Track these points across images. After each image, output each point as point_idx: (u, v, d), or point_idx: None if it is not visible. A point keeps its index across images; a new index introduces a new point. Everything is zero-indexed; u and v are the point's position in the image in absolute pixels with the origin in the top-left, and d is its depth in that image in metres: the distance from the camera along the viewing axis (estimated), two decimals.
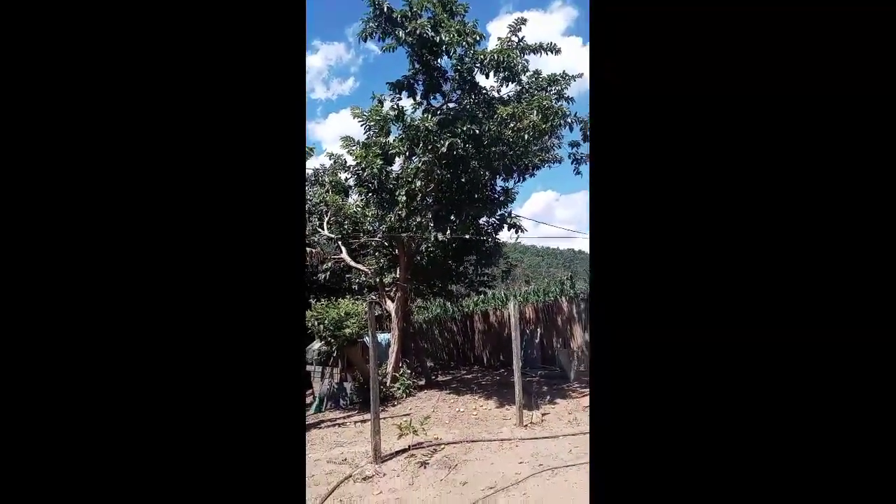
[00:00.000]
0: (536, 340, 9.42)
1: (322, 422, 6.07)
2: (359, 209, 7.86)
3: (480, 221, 7.68)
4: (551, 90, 6.18)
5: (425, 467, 3.91)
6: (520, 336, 9.71)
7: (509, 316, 9.69)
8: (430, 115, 5.80)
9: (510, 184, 7.92)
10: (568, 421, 5.02)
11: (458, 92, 6.57)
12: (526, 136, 5.70)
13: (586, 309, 8.62)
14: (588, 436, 4.39)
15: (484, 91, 6.66)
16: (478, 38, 5.87)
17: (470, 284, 9.31)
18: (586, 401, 5.56)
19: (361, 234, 8.18)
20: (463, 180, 6.43)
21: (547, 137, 6.41)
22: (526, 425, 4.99)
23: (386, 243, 8.37)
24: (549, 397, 6.23)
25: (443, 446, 4.44)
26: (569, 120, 5.93)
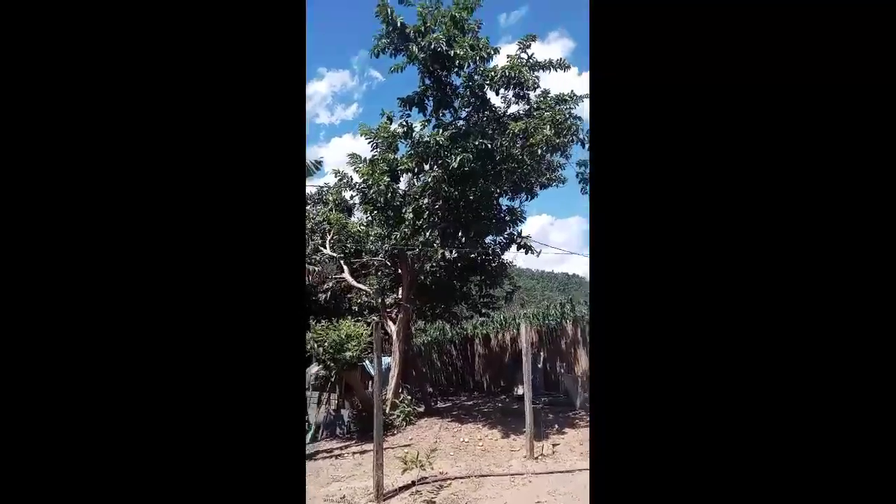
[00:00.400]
0: (539, 365, 9.10)
1: (318, 452, 5.70)
2: (362, 228, 7.67)
3: (486, 240, 7.49)
4: (561, 109, 6.09)
5: None
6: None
7: (518, 340, 9.47)
8: (440, 130, 5.68)
9: (516, 203, 7.80)
10: (580, 453, 4.70)
11: (469, 109, 6.49)
12: (539, 151, 5.58)
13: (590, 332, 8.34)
14: None
15: (494, 108, 6.58)
16: (490, 52, 5.81)
17: (473, 306, 9.04)
18: None
19: (364, 254, 7.96)
20: (471, 198, 6.27)
21: (559, 154, 6.29)
22: (537, 457, 4.67)
23: (388, 263, 8.15)
24: (556, 426, 5.91)
25: (449, 482, 4.11)
26: (580, 136, 5.82)
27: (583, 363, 8.43)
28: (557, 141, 5.53)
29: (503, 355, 10.17)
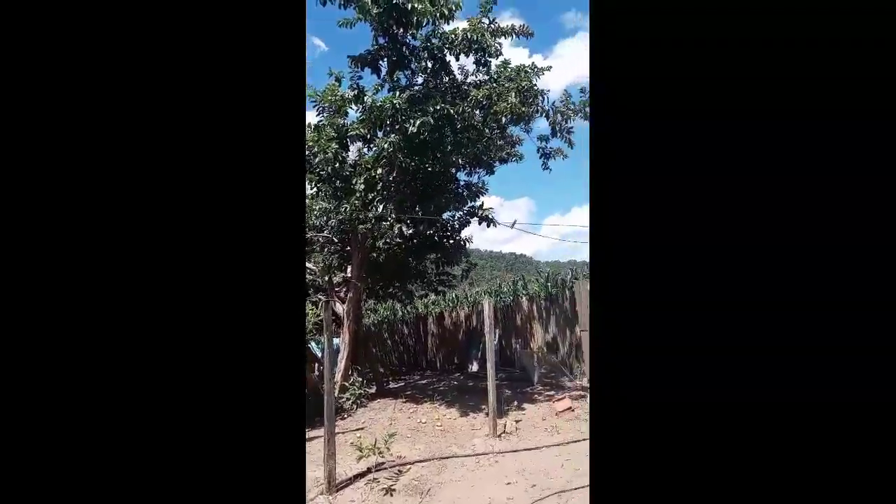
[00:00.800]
0: (495, 342, 9.06)
1: None
2: (306, 201, 7.04)
3: (444, 216, 7.16)
4: (526, 77, 5.79)
5: (392, 495, 3.31)
6: (481, 337, 9.33)
7: (472, 317, 9.39)
8: (397, 93, 5.20)
9: (474, 178, 7.52)
10: (545, 429, 4.62)
11: (426, 74, 6.03)
12: (503, 120, 5.28)
13: (547, 307, 8.41)
14: (576, 446, 4.05)
15: (453, 74, 6.17)
16: (452, 9, 5.35)
17: (428, 284, 8.72)
18: (558, 405, 5.22)
19: (308, 229, 7.34)
20: (429, 169, 5.88)
21: (521, 126, 6.04)
22: (500, 435, 4.53)
23: (336, 239, 7.59)
24: (516, 402, 5.82)
25: (408, 467, 3.84)
26: (545, 107, 5.58)
27: (538, 339, 8.47)
28: (523, 110, 5.25)
29: (457, 333, 10.04)
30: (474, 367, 9.11)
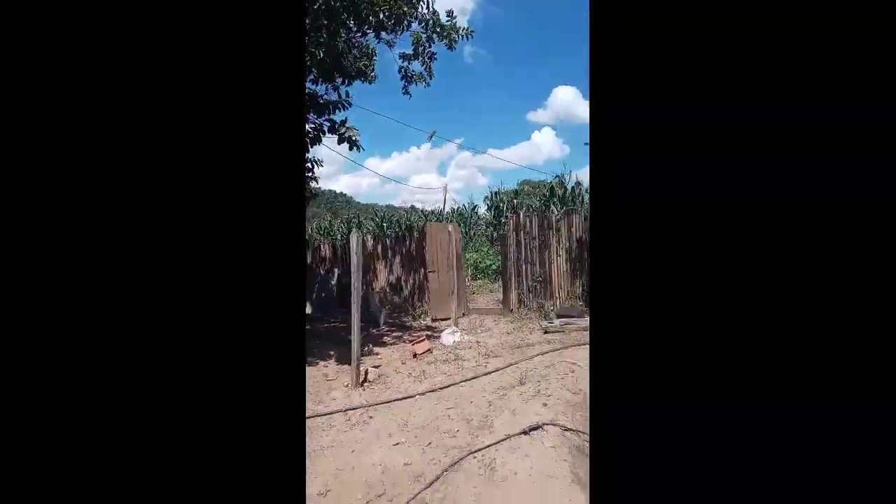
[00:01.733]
0: (333, 282, 8.32)
1: None
2: None
3: None
4: None
5: None
6: (316, 276, 8.42)
7: (323, 251, 8.31)
8: None
9: (321, 89, 6.28)
10: (409, 374, 4.32)
11: None
12: (381, 16, 4.29)
13: (393, 247, 8.05)
14: (451, 391, 3.86)
15: None
16: None
17: None
18: (418, 347, 5.00)
19: None
20: None
21: (393, 33, 5.08)
22: (363, 384, 4.04)
23: None
24: (368, 346, 5.39)
25: None
26: (428, 16, 4.77)
27: (381, 280, 8.09)
28: (404, 10, 4.36)
29: None
30: (308, 310, 8.26)
